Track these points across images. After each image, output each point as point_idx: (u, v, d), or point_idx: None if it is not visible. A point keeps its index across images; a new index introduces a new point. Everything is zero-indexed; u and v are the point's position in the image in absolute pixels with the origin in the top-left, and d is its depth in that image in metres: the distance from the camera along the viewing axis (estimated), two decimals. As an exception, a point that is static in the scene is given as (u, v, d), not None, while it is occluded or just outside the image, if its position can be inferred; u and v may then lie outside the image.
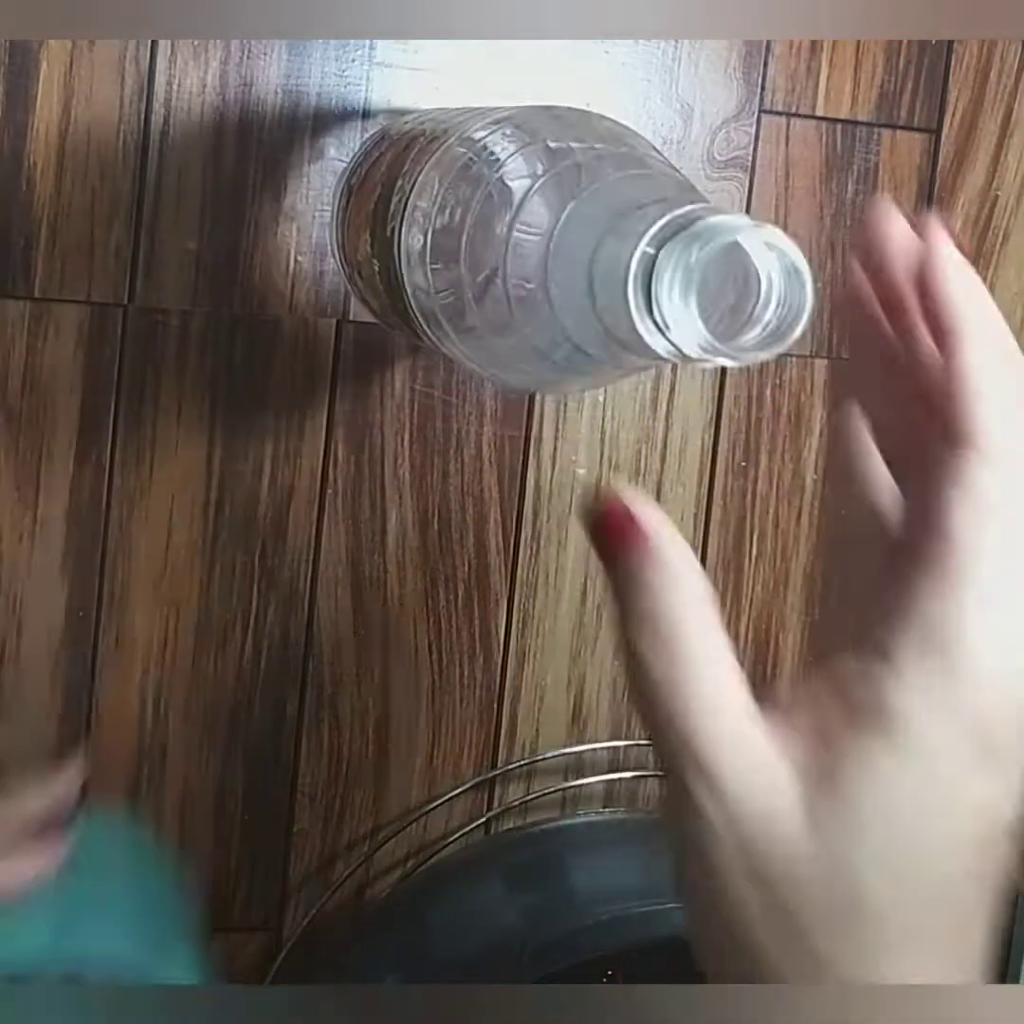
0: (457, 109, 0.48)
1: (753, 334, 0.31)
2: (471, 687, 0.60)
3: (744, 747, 0.28)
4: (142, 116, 0.54)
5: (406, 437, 0.58)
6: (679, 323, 0.30)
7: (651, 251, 0.31)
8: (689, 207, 0.31)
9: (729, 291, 0.32)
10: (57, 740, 0.56)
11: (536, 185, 0.37)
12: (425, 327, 0.42)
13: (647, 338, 0.31)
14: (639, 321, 0.31)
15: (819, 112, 0.60)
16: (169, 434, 0.55)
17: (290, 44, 0.55)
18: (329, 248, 0.55)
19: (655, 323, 0.30)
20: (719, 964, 0.32)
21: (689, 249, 0.29)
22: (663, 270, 0.30)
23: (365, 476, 0.57)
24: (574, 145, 0.38)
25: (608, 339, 0.34)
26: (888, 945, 0.30)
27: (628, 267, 0.31)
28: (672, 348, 0.30)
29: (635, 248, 0.31)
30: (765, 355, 0.31)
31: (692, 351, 0.30)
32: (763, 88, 0.59)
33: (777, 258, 0.30)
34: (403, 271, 0.42)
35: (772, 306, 0.31)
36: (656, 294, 0.30)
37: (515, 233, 0.37)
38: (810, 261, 0.61)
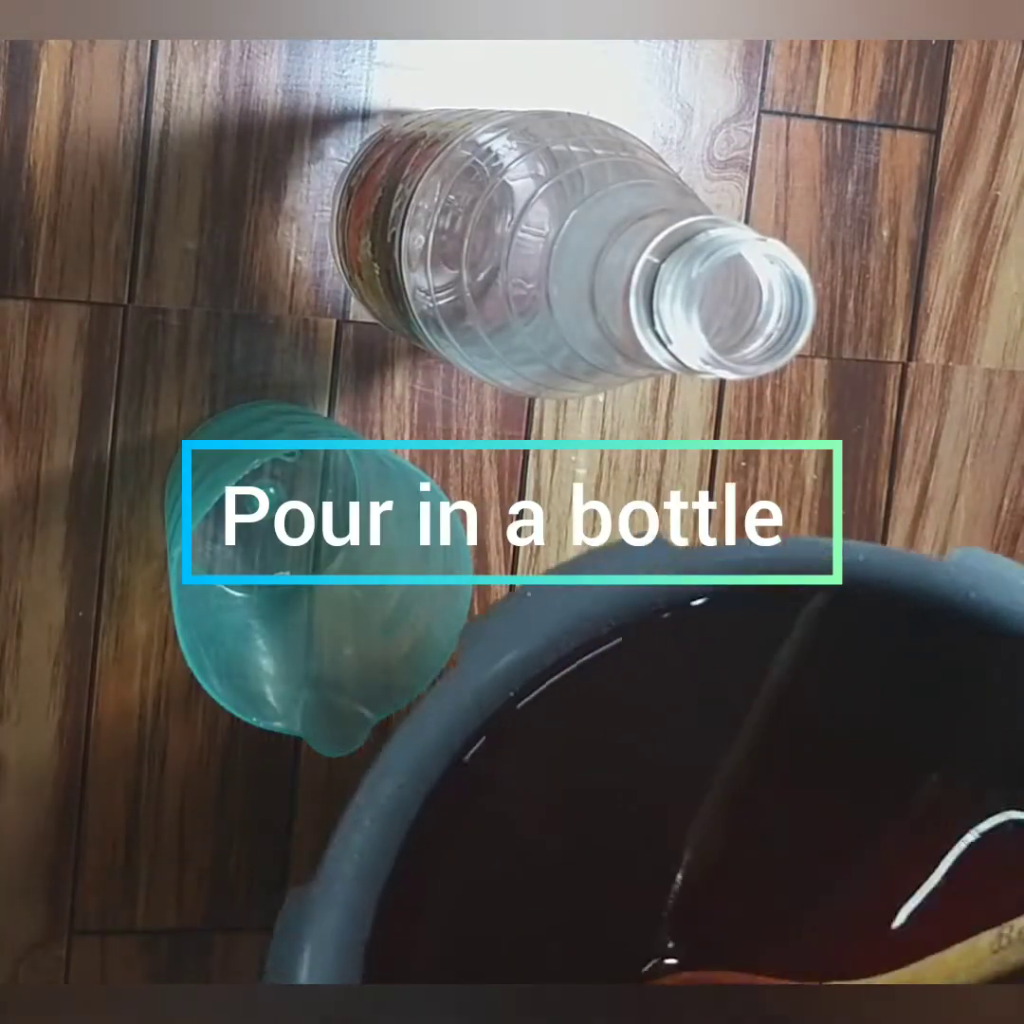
0: (457, 111, 0.48)
1: (755, 346, 0.31)
2: (471, 687, 0.60)
3: None
4: (142, 116, 0.54)
5: (406, 437, 0.58)
6: (681, 336, 0.30)
7: (654, 261, 0.31)
8: (691, 219, 0.31)
9: (730, 302, 0.32)
10: (58, 739, 0.56)
11: (540, 189, 0.37)
12: (424, 330, 0.42)
13: (648, 349, 0.31)
14: (640, 333, 0.31)
15: (819, 112, 0.60)
16: (169, 434, 0.55)
17: (290, 44, 0.54)
18: (329, 248, 0.55)
19: (657, 335, 0.30)
20: None
21: (691, 262, 0.30)
22: (665, 283, 0.30)
23: (365, 476, 0.57)
24: (576, 150, 0.38)
25: (609, 348, 0.34)
26: None
27: (630, 278, 0.31)
28: (673, 360, 0.31)
29: (637, 259, 0.31)
30: (767, 367, 0.31)
31: (694, 364, 0.30)
32: (763, 88, 0.59)
33: (779, 271, 0.31)
34: (404, 273, 0.42)
35: (774, 318, 0.31)
36: (658, 307, 0.30)
37: (518, 234, 0.37)
38: (810, 261, 0.61)
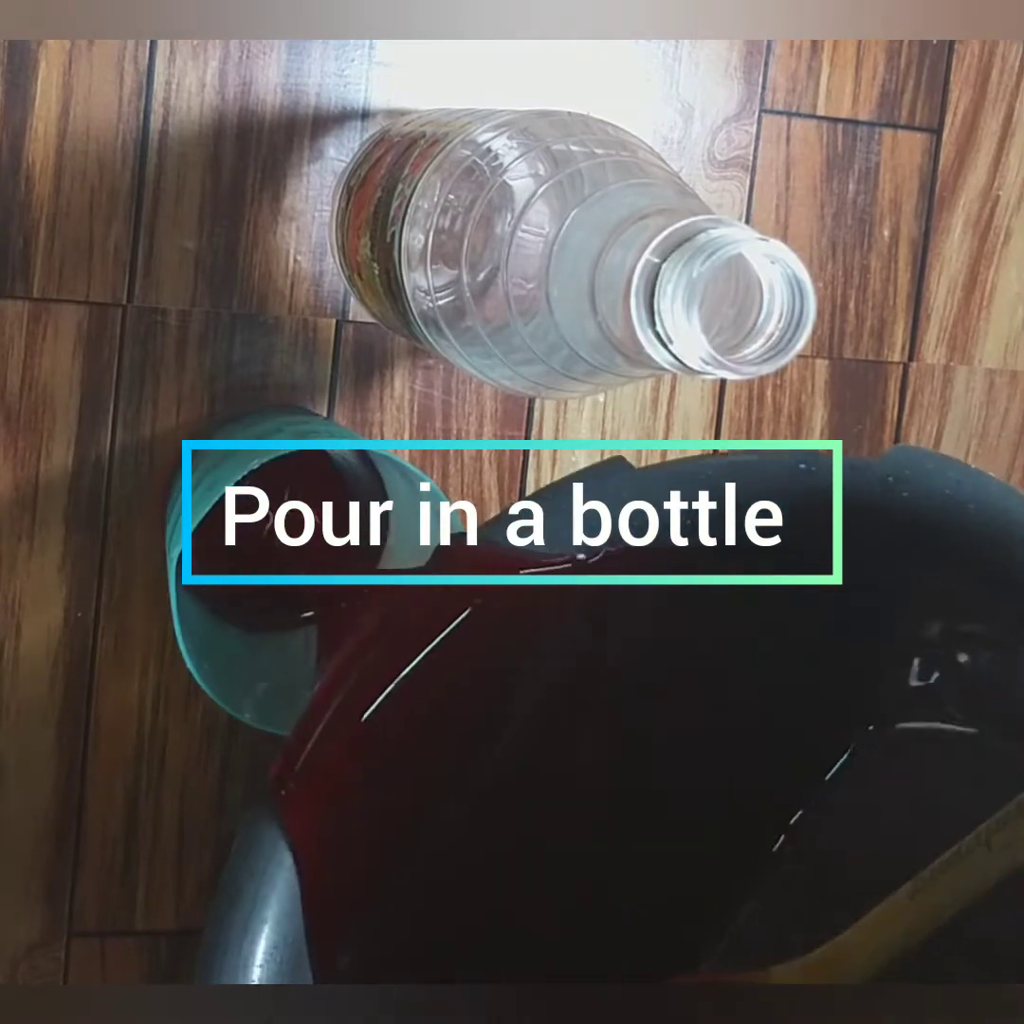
0: (457, 110, 0.47)
1: (756, 346, 0.31)
2: (471, 688, 0.60)
3: None
4: (141, 115, 0.54)
5: (406, 437, 0.58)
6: (681, 336, 0.30)
7: (655, 261, 0.31)
8: (692, 219, 0.30)
9: (731, 302, 0.32)
10: (57, 740, 0.56)
11: (540, 189, 0.37)
12: (424, 330, 0.42)
13: (649, 350, 0.31)
14: (641, 333, 0.31)
15: (820, 112, 0.60)
16: (168, 434, 0.55)
17: (290, 44, 0.54)
18: (328, 248, 0.55)
19: (657, 335, 0.30)
20: None
21: (692, 262, 0.29)
22: (666, 283, 0.30)
23: (365, 476, 0.57)
24: (576, 150, 0.38)
25: (609, 348, 0.34)
26: None
27: (630, 278, 0.31)
28: (674, 360, 0.30)
29: (638, 259, 0.31)
30: (768, 368, 0.31)
31: (694, 364, 0.30)
32: (764, 88, 0.59)
33: (780, 271, 0.30)
34: (403, 273, 0.42)
35: (775, 318, 0.31)
36: (658, 307, 0.30)
37: (518, 234, 0.37)
38: (811, 261, 0.61)
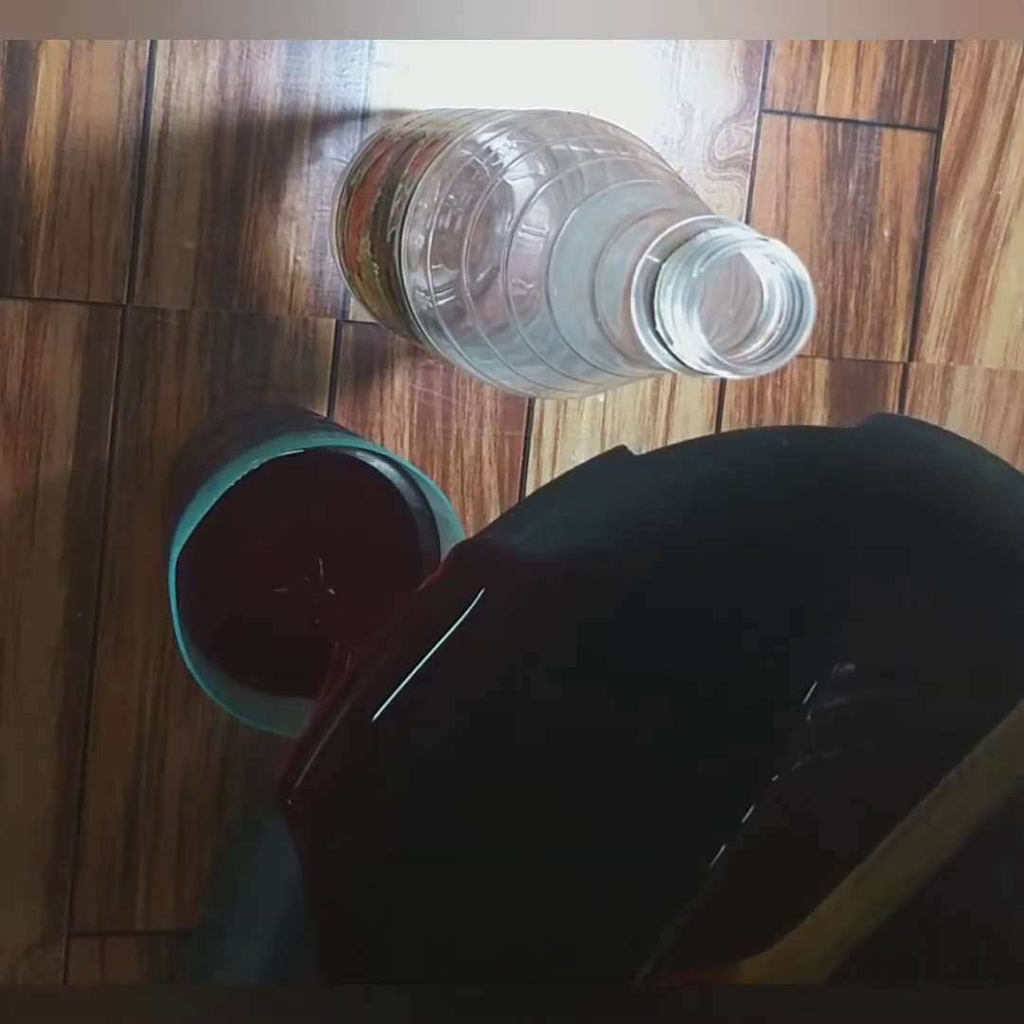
0: (457, 110, 0.47)
1: (756, 346, 0.31)
2: (470, 688, 0.60)
3: None
4: (141, 115, 0.54)
5: (406, 437, 0.58)
6: (681, 336, 0.30)
7: (655, 261, 0.31)
8: (692, 219, 0.30)
9: (731, 302, 0.32)
10: (57, 740, 0.56)
11: (540, 189, 0.37)
12: (424, 330, 0.42)
13: (649, 350, 0.31)
14: (641, 333, 0.31)
15: (820, 112, 0.60)
16: (168, 434, 0.55)
17: (290, 44, 0.54)
18: (328, 248, 0.55)
19: (657, 335, 0.30)
20: None
21: (692, 262, 0.29)
22: (666, 283, 0.30)
23: (365, 476, 0.57)
24: (576, 149, 0.38)
25: (609, 348, 0.34)
26: None
27: (630, 278, 0.31)
28: (674, 361, 0.30)
29: (638, 259, 0.31)
30: (768, 368, 0.31)
31: (694, 364, 0.30)
32: (764, 87, 0.59)
33: (780, 271, 0.30)
34: (403, 273, 0.42)
35: (775, 318, 0.31)
36: (658, 307, 0.30)
37: (518, 234, 0.37)
38: (811, 261, 0.61)
